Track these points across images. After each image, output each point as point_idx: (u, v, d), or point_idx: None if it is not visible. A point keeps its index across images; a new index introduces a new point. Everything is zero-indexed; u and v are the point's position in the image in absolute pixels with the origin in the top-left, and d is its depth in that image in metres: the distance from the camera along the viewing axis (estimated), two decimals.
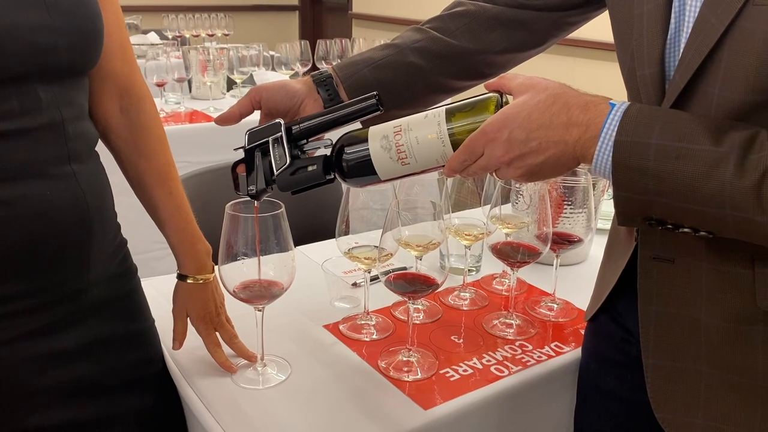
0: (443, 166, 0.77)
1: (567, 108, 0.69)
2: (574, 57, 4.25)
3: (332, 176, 0.82)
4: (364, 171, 0.79)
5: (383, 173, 0.79)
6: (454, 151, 0.75)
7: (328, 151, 0.83)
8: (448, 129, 0.75)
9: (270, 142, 0.84)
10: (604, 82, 4.04)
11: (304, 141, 0.86)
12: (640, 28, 0.75)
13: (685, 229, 0.68)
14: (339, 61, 3.02)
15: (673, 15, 0.72)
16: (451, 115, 0.76)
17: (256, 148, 0.85)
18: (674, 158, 0.64)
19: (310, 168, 0.82)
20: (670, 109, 0.71)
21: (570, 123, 0.69)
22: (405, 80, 0.98)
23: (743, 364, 0.74)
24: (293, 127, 0.85)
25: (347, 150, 0.80)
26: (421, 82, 0.99)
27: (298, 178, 0.82)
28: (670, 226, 0.68)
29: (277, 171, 0.83)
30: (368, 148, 0.78)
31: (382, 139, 0.78)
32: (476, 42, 0.99)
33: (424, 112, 0.78)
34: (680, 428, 0.79)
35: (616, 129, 0.66)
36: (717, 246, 0.71)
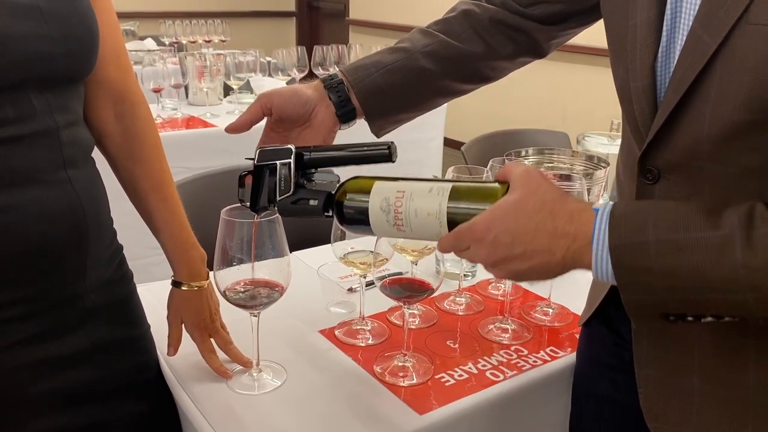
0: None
1: (553, 217, 0.67)
2: (571, 63, 4.26)
3: (331, 214, 0.82)
4: (360, 222, 0.79)
5: (378, 231, 0.79)
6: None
7: (333, 187, 0.83)
8: (448, 209, 0.73)
9: (278, 166, 0.84)
10: (600, 87, 4.05)
11: (313, 170, 0.86)
12: (633, 39, 0.74)
13: (708, 319, 0.65)
14: (336, 67, 3.03)
15: (664, 27, 0.71)
16: (455, 194, 0.73)
17: (264, 168, 0.85)
18: (676, 251, 0.61)
19: (311, 202, 0.82)
20: (653, 201, 0.69)
21: (556, 233, 0.67)
22: (414, 84, 0.97)
23: (734, 378, 0.73)
24: (304, 154, 0.85)
25: (349, 197, 0.79)
26: (430, 85, 0.99)
27: (297, 209, 0.83)
28: (690, 319, 0.66)
29: (279, 197, 0.83)
30: (368, 204, 0.77)
31: (383, 201, 0.76)
32: (483, 46, 0.99)
33: (430, 184, 0.75)
34: None
35: (606, 234, 0.64)
36: None
